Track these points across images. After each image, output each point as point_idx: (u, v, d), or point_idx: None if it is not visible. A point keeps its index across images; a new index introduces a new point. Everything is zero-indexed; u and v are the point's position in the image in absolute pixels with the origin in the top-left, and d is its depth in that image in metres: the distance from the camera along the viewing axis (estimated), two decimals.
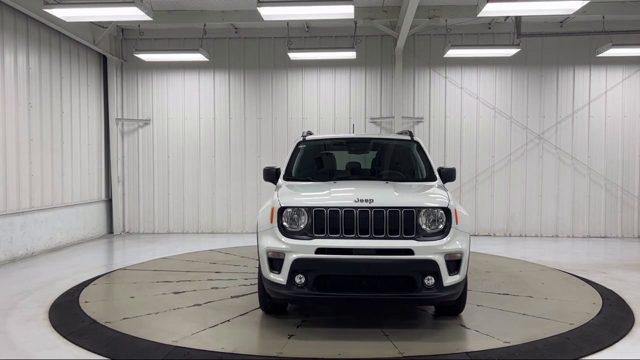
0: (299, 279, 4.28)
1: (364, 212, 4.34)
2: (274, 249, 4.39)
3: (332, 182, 5.19)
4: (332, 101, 11.15)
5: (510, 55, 10.31)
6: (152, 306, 5.33)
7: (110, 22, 9.97)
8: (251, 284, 6.19)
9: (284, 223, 4.45)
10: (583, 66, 10.81)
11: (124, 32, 11.22)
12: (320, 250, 4.27)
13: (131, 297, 5.67)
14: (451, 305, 4.86)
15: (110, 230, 11.35)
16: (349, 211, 4.35)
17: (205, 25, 10.43)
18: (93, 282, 6.47)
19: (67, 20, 8.12)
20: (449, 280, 4.30)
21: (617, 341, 4.40)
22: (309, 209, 4.42)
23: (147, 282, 6.37)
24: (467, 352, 4.04)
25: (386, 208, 4.34)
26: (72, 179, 9.91)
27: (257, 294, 5.22)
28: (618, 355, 4.14)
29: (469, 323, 4.83)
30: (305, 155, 6.07)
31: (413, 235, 4.33)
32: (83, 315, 5.04)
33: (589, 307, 5.34)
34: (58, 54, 9.52)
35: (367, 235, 4.33)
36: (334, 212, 4.37)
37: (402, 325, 4.77)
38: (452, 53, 9.95)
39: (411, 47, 10.86)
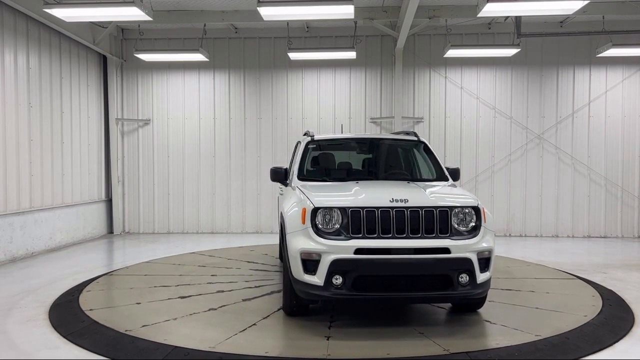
0: (336, 280, 4.24)
1: (400, 212, 4.36)
2: (309, 250, 4.31)
3: (354, 183, 5.20)
4: (332, 101, 11.16)
5: (510, 55, 10.31)
6: (165, 312, 5.14)
7: (110, 22, 9.97)
8: (255, 287, 6.14)
9: (318, 224, 4.39)
10: (583, 66, 10.81)
11: (124, 32, 11.22)
12: (359, 251, 4.25)
13: (137, 303, 5.44)
14: (475, 302, 4.95)
15: (110, 230, 11.35)
16: (385, 211, 4.36)
17: (205, 25, 10.43)
18: (94, 281, 6.47)
19: (67, 20, 8.11)
20: (481, 277, 4.42)
21: (617, 341, 4.39)
22: (343, 210, 4.38)
23: (145, 287, 6.13)
24: (467, 352, 4.04)
25: (421, 208, 4.39)
26: (72, 179, 9.91)
27: (268, 296, 5.29)
28: (618, 355, 4.14)
29: (492, 318, 4.94)
30: (317, 155, 6.07)
31: (447, 235, 4.39)
32: (83, 316, 5.03)
33: (589, 307, 5.33)
34: (58, 54, 9.52)
35: (404, 235, 4.34)
36: (370, 212, 4.35)
37: (431, 323, 4.85)
38: (452, 53, 9.95)
39: (411, 47, 10.86)
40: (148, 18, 7.64)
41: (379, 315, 5.05)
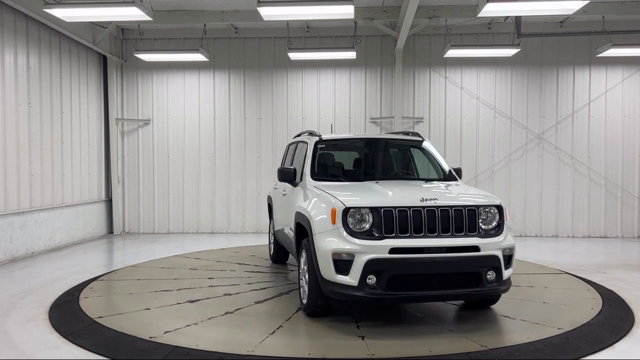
0: (370, 280, 4.24)
1: (431, 211, 4.42)
2: (342, 250, 4.31)
3: (373, 183, 5.24)
4: (332, 101, 11.16)
5: (510, 55, 10.31)
6: (182, 317, 4.94)
7: (110, 22, 9.97)
8: (261, 289, 6.06)
9: (349, 224, 4.39)
10: (583, 66, 10.81)
11: (124, 32, 11.22)
12: (393, 250, 4.28)
13: (147, 309, 5.22)
14: (492, 298, 5.08)
15: (110, 230, 11.35)
16: (416, 210, 4.41)
17: (205, 25, 10.43)
18: (96, 282, 6.47)
19: (67, 20, 8.12)
20: (506, 274, 4.55)
21: (617, 341, 4.39)
22: (375, 209, 4.39)
23: (146, 292, 5.89)
24: (467, 353, 4.04)
25: (451, 207, 4.47)
26: (72, 179, 9.91)
27: (277, 298, 5.37)
28: (618, 355, 4.14)
29: (508, 313, 5.04)
30: (327, 155, 6.05)
31: (475, 233, 4.49)
32: (83, 316, 5.02)
33: (589, 307, 5.34)
34: (58, 54, 9.53)
35: (435, 234, 4.39)
36: (402, 211, 4.39)
37: (453, 321, 4.93)
38: (452, 53, 9.95)
39: (411, 47, 10.86)
40: (148, 18, 7.65)
41: (397, 314, 5.07)
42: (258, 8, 7.27)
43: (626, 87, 10.78)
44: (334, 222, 4.41)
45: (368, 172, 6.06)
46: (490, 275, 4.45)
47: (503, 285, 4.54)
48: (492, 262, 4.44)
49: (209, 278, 6.67)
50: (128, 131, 11.42)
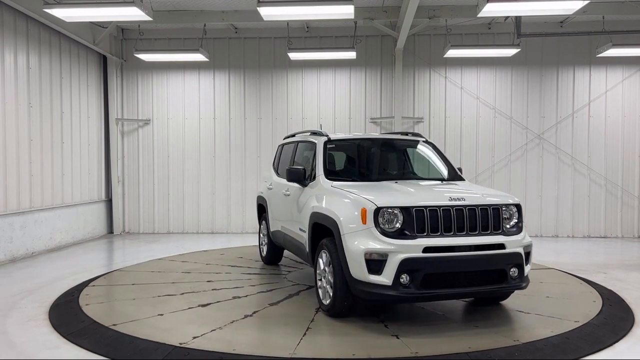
0: (404, 279, 4.30)
1: (459, 210, 4.53)
2: (375, 250, 4.34)
3: (392, 182, 5.33)
4: (332, 101, 11.16)
5: (510, 56, 10.31)
6: (202, 322, 4.79)
7: (110, 22, 9.97)
8: (268, 290, 6.02)
9: (381, 224, 4.42)
10: (583, 66, 10.81)
11: (124, 32, 11.22)
12: (427, 249, 4.35)
13: (160, 315, 5.05)
14: (506, 295, 5.27)
15: (110, 230, 11.35)
16: (446, 210, 4.51)
17: (205, 25, 10.43)
18: (98, 283, 6.47)
19: (67, 20, 8.11)
20: (526, 270, 4.73)
21: (617, 341, 4.40)
22: (405, 209, 4.44)
23: (149, 297, 5.69)
24: (467, 353, 4.04)
25: (477, 206, 4.59)
26: (72, 179, 9.91)
27: (289, 300, 5.45)
28: (618, 355, 4.14)
29: (521, 308, 5.20)
30: (337, 155, 6.03)
31: (500, 231, 4.63)
32: (83, 316, 5.02)
33: (589, 307, 5.34)
34: (58, 54, 9.53)
35: (463, 233, 4.51)
36: (433, 211, 4.47)
37: (476, 317, 4.96)
38: (452, 53, 9.94)
39: (411, 47, 10.86)
40: (148, 18, 7.64)
41: (417, 313, 5.09)
42: (258, 8, 7.27)
43: (626, 87, 10.78)
44: (364, 222, 4.44)
45: (381, 172, 6.07)
46: (514, 271, 4.59)
47: (524, 281, 4.70)
48: (516, 259, 4.59)
49: (208, 281, 6.48)
50: (128, 131, 11.42)
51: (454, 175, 5.94)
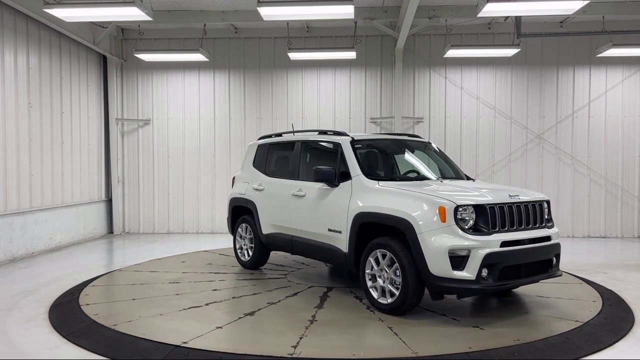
0: (484, 273, 4.55)
1: (518, 206, 4.93)
2: (459, 247, 4.54)
3: (438, 181, 5.68)
4: (332, 101, 11.15)
5: (510, 56, 10.31)
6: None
7: (110, 22, 9.97)
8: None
9: (459, 221, 4.62)
10: (583, 66, 10.81)
11: (124, 32, 11.22)
12: (503, 244, 4.65)
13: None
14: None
15: (110, 230, 11.35)
16: (509, 206, 4.87)
17: (205, 25, 10.43)
18: (98, 283, 6.47)
19: (67, 20, 8.12)
20: (560, 260, 5.23)
21: (617, 341, 4.39)
22: (479, 206, 4.72)
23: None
24: (467, 353, 4.04)
25: (529, 202, 5.03)
26: (72, 179, 9.91)
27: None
28: (618, 355, 4.14)
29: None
30: (366, 155, 5.95)
31: (544, 225, 5.14)
32: (83, 316, 5.01)
33: (589, 307, 5.34)
34: (58, 54, 9.53)
35: (522, 227, 4.90)
36: (501, 207, 4.81)
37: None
38: (452, 53, 9.95)
39: (411, 47, 10.86)
40: (148, 18, 7.64)
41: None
42: (258, 8, 7.27)
43: (626, 87, 10.78)
44: (443, 220, 4.61)
45: (413, 171, 6.09)
46: (555, 261, 5.12)
47: (559, 270, 5.24)
48: (558, 250, 5.17)
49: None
50: (128, 131, 11.42)
51: (460, 174, 6.24)
